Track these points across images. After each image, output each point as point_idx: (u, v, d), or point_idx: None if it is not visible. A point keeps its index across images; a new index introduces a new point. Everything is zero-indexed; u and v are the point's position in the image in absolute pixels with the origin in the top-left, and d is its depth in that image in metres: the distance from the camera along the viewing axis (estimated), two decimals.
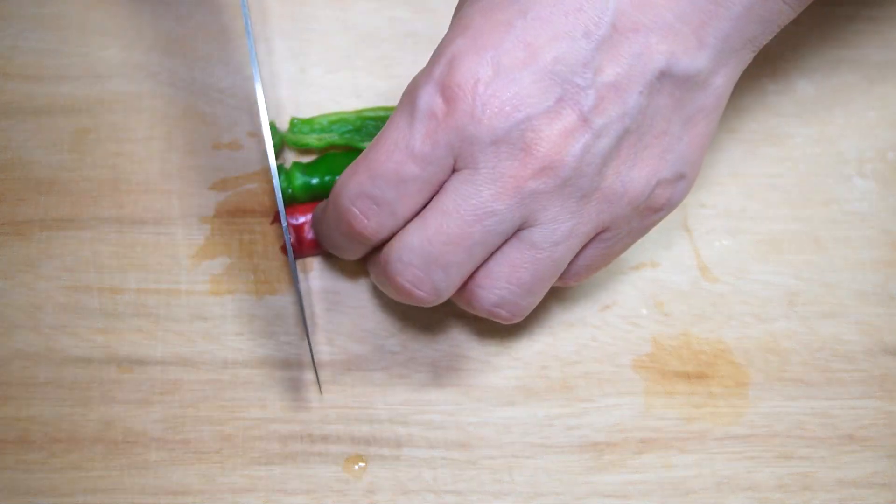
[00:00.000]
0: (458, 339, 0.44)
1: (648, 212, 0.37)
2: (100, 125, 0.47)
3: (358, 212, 0.36)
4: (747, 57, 0.37)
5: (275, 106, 0.48)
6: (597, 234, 0.37)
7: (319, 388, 0.43)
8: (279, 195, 0.40)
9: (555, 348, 0.45)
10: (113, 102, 0.47)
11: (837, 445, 0.44)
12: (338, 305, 0.45)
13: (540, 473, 0.43)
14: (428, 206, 0.36)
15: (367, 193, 0.36)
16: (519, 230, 0.36)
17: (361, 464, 0.43)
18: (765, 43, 0.37)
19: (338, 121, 0.46)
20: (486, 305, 0.37)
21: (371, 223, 0.36)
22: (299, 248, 0.44)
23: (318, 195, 0.45)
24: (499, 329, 0.45)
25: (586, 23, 0.34)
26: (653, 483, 0.43)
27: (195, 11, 0.49)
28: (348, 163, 0.44)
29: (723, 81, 0.36)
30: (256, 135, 0.47)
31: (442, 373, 0.44)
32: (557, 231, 0.36)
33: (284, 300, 0.45)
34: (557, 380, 0.44)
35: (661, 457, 0.43)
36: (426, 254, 0.36)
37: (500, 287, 0.37)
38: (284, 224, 0.40)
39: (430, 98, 0.35)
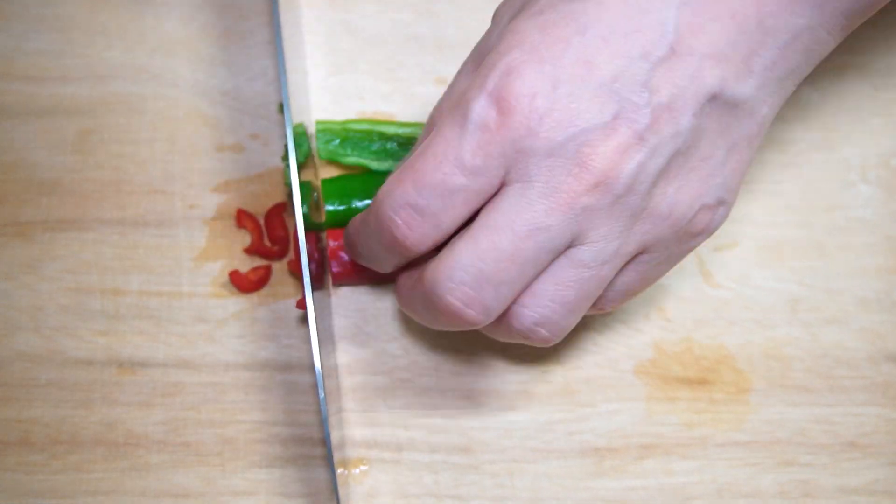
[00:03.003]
0: (460, 344, 0.44)
1: (687, 237, 0.37)
2: (103, 127, 0.47)
3: (401, 221, 0.36)
4: (789, 89, 0.37)
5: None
6: (635, 256, 0.37)
7: None
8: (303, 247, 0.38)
9: (556, 353, 0.45)
10: (116, 104, 0.47)
11: (839, 452, 0.44)
12: (339, 309, 0.45)
13: (541, 478, 0.43)
14: (476, 223, 0.35)
15: (411, 203, 0.35)
16: (567, 248, 0.36)
17: (363, 467, 0.43)
18: (805, 76, 0.37)
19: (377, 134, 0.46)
20: (526, 324, 0.36)
21: (414, 233, 0.36)
22: (330, 275, 0.43)
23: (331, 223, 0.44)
24: None
25: (644, 44, 0.35)
26: (654, 489, 0.43)
27: (198, 13, 0.49)
28: (363, 188, 0.44)
29: (767, 111, 0.37)
30: (259, 137, 0.47)
31: (444, 377, 0.44)
32: (606, 250, 0.36)
33: (286, 304, 0.45)
34: (559, 384, 0.44)
35: (663, 462, 0.43)
36: (478, 271, 0.35)
37: (542, 305, 0.36)
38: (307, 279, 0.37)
39: (482, 110, 0.35)
